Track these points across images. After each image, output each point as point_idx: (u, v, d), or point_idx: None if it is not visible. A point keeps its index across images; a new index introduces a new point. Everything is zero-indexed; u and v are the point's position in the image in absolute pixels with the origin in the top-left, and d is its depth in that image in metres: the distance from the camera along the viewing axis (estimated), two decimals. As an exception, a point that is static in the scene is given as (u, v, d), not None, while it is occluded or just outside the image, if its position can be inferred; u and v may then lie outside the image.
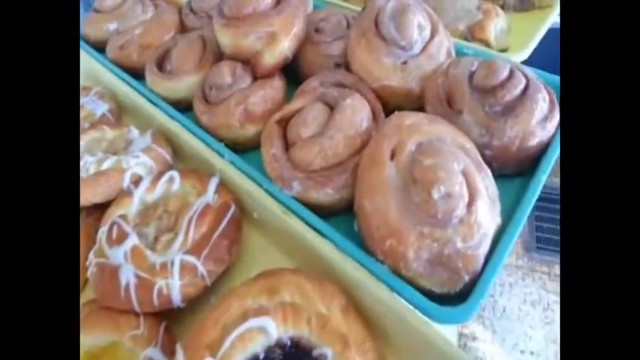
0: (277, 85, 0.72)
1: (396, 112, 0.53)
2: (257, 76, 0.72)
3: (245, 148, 0.71)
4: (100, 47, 0.98)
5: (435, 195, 0.43)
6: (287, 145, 0.61)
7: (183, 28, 0.96)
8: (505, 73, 0.55)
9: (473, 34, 0.75)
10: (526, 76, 0.55)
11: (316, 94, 0.64)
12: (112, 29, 1.00)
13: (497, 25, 0.77)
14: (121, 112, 0.87)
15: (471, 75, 0.58)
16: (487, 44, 0.75)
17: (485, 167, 0.49)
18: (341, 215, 0.57)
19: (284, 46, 0.70)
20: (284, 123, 0.63)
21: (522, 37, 0.77)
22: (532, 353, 1.40)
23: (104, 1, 1.05)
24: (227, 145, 0.66)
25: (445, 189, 0.43)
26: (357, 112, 0.58)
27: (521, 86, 0.54)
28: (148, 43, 0.92)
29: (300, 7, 0.73)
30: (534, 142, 0.52)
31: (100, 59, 0.93)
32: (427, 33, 0.64)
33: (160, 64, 0.85)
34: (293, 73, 0.77)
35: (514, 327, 1.45)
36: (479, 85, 0.56)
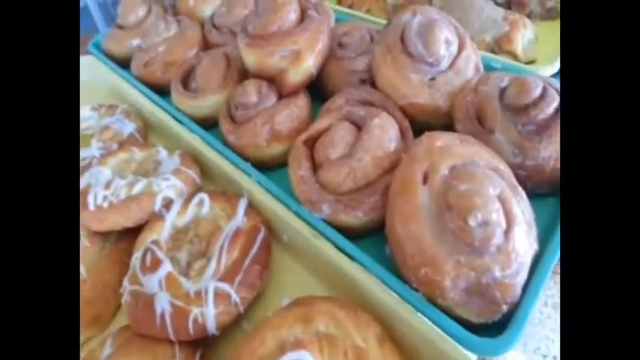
0: (302, 103, 0.72)
1: (426, 133, 0.53)
2: (282, 95, 0.72)
3: (271, 166, 0.71)
4: (123, 63, 0.99)
5: (472, 222, 0.42)
6: (315, 166, 0.61)
7: (206, 45, 0.97)
8: (538, 91, 0.53)
9: (500, 45, 0.73)
10: (559, 93, 0.54)
11: (342, 113, 0.63)
12: (134, 45, 1.01)
13: (524, 36, 0.75)
14: (147, 130, 0.88)
15: (502, 92, 0.57)
16: (514, 56, 0.73)
17: (520, 190, 0.48)
18: (372, 237, 0.57)
19: (309, 64, 0.70)
20: (311, 142, 0.63)
21: (550, 47, 0.75)
22: (555, 358, 1.37)
23: (127, 17, 1.07)
24: (253, 164, 0.66)
25: (482, 216, 0.42)
26: (385, 132, 0.58)
27: (555, 104, 0.52)
28: (172, 60, 0.92)
29: (323, 23, 0.73)
30: (570, 162, 0.51)
31: (124, 76, 0.95)
32: (454, 48, 0.63)
33: (185, 82, 0.86)
34: (317, 89, 0.77)
35: (535, 331, 1.41)
36: (511, 103, 0.54)
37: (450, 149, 0.49)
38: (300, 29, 0.70)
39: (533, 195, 0.51)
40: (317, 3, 0.77)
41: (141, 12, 1.09)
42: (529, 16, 0.82)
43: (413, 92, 0.62)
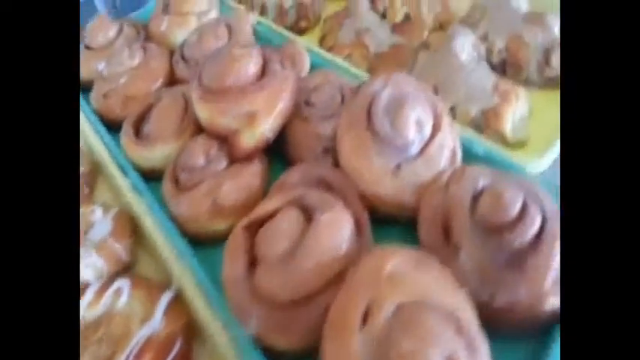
0: (255, 170, 0.63)
1: (377, 250, 0.43)
2: (233, 159, 0.63)
3: (216, 243, 0.62)
4: (88, 88, 0.90)
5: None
6: (256, 259, 0.52)
7: (172, 78, 0.88)
8: (516, 209, 0.44)
9: (487, 121, 0.63)
10: (543, 212, 0.44)
11: (294, 196, 0.54)
12: (100, 69, 0.92)
13: (516, 112, 0.64)
14: (96, 174, 0.79)
15: (475, 198, 0.47)
16: (502, 136, 0.63)
17: (481, 345, 0.38)
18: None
19: (265, 128, 0.61)
20: (255, 227, 0.54)
21: (546, 123, 0.64)
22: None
23: (95, 37, 0.99)
24: (194, 239, 0.58)
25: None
26: (335, 231, 0.49)
27: (534, 229, 0.43)
28: (133, 94, 0.84)
29: (287, 80, 0.64)
30: (548, 307, 0.41)
31: (83, 107, 0.86)
32: (427, 130, 0.54)
33: (141, 122, 0.77)
34: (279, 148, 0.68)
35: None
36: (483, 217, 0.45)
37: (402, 279, 0.40)
38: (259, 86, 0.61)
39: (501, 339, 0.41)
40: (285, 55, 0.68)
41: (111, 32, 1.01)
42: (526, 81, 0.71)
43: (374, 180, 0.53)
